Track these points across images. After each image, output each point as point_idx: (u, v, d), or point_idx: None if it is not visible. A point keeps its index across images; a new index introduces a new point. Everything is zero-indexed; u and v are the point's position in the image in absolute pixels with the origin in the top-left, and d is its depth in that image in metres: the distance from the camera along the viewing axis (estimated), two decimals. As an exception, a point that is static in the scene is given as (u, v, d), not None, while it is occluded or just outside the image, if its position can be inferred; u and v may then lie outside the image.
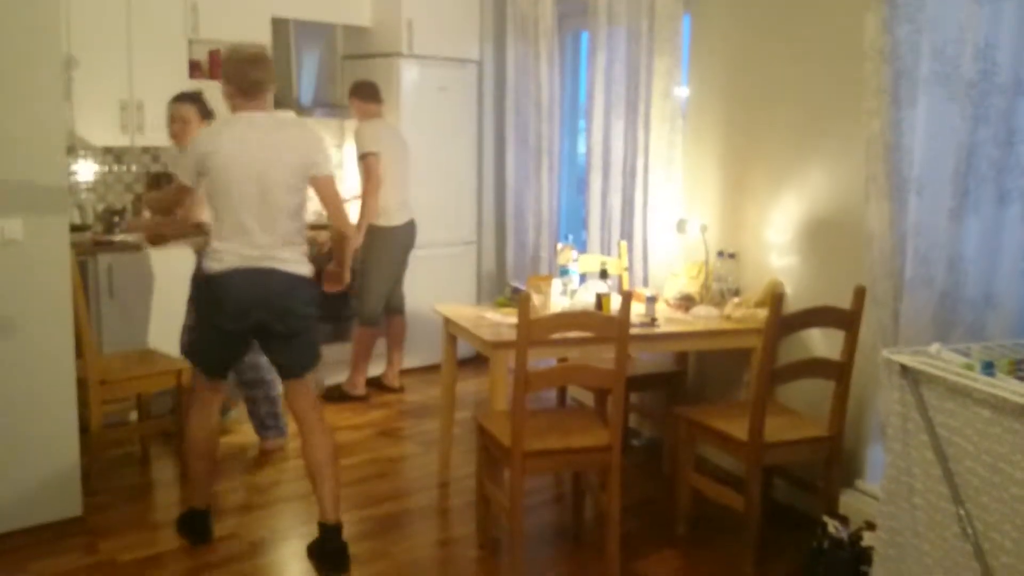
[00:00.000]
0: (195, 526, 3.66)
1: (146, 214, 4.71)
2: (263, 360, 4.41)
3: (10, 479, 3.62)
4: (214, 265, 3.30)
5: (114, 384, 4.12)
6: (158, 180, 5.43)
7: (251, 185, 3.26)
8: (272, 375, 4.54)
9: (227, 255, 3.29)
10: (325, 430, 3.50)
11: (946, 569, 2.53)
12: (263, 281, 3.30)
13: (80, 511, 3.79)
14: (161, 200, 3.94)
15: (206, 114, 4.39)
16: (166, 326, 4.94)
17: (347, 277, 3.69)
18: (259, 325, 3.33)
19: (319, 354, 3.54)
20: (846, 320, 3.48)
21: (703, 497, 3.73)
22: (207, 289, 3.37)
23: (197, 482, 3.65)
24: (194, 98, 4.43)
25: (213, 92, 5.24)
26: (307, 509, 3.94)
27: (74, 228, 4.33)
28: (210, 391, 3.56)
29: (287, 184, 3.32)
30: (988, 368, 2.43)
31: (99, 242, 4.93)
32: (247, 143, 3.29)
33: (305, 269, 3.39)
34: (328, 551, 3.45)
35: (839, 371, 3.50)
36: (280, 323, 3.33)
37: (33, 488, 3.67)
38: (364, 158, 5.23)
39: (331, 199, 3.47)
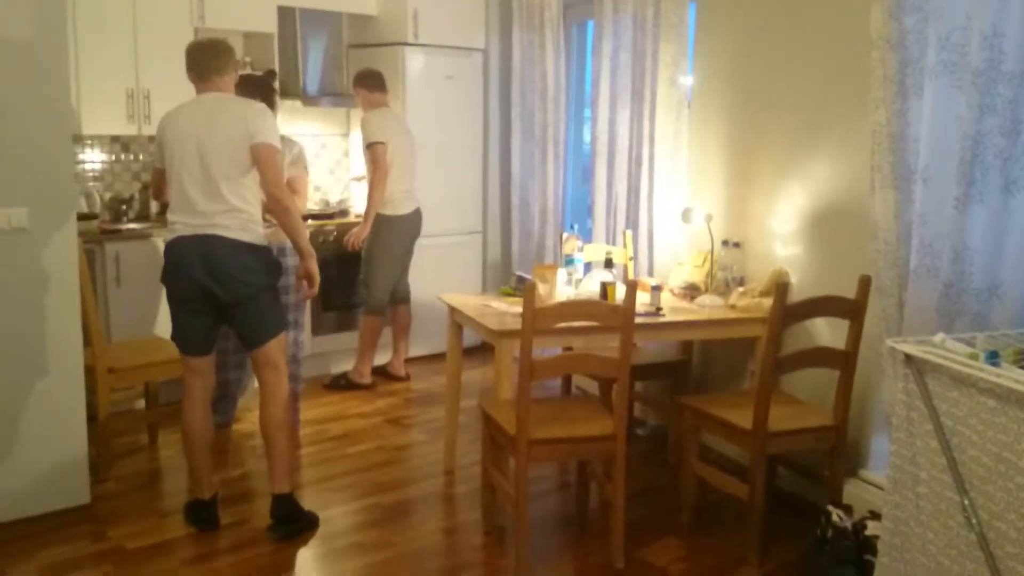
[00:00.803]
0: (200, 515, 3.71)
1: None
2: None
3: (18, 467, 3.65)
4: (167, 235, 3.52)
5: (121, 372, 4.14)
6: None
7: (193, 158, 3.43)
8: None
9: (177, 225, 3.47)
10: (279, 400, 3.60)
11: (950, 558, 2.54)
12: (206, 249, 3.42)
13: (88, 499, 3.82)
14: (151, 185, 4.11)
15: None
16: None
17: (313, 268, 3.60)
18: (207, 292, 3.44)
19: (280, 322, 3.65)
20: (851, 309, 3.48)
21: (707, 486, 3.74)
22: (165, 261, 3.54)
23: (196, 472, 3.72)
24: (250, 83, 4.43)
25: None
26: (315, 496, 3.97)
27: (81, 217, 4.33)
28: (191, 374, 3.64)
29: (226, 154, 3.44)
30: (993, 357, 2.44)
31: (106, 230, 4.95)
32: (193, 119, 3.49)
33: (249, 236, 3.49)
34: (279, 519, 3.60)
35: (844, 360, 3.50)
36: (223, 290, 3.44)
37: (41, 476, 3.69)
38: (371, 147, 5.24)
39: (267, 167, 3.47)
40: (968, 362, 2.45)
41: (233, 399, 4.82)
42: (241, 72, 4.52)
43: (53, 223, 3.62)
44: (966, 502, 2.46)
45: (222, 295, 3.45)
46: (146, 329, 4.79)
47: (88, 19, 4.78)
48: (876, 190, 3.35)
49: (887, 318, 3.37)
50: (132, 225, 5.13)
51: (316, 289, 3.67)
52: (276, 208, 3.52)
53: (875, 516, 3.15)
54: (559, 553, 3.62)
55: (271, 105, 4.39)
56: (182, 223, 3.46)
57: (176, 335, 3.61)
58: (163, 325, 4.87)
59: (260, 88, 4.38)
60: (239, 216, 3.47)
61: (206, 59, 3.59)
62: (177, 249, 3.47)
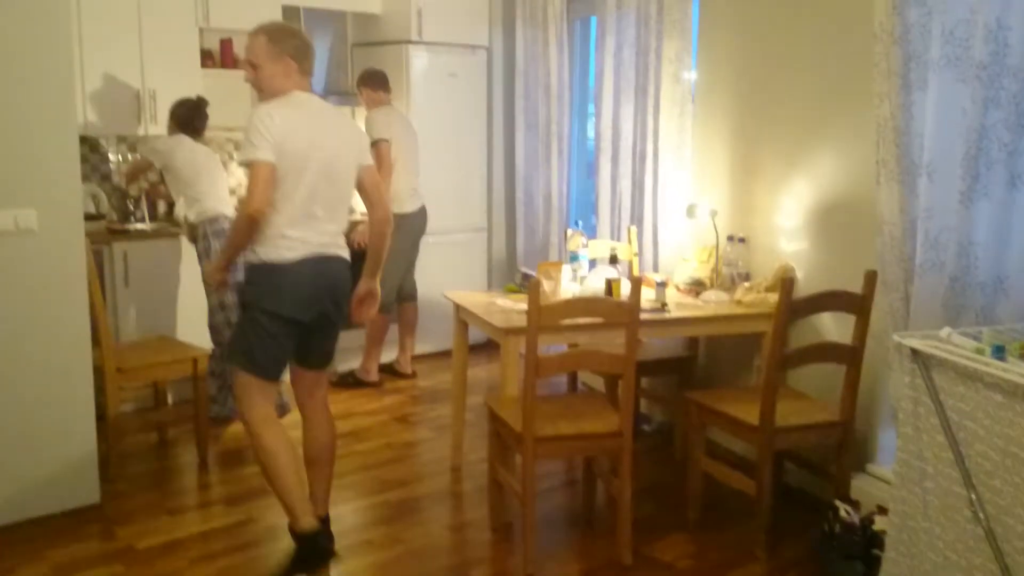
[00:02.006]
0: (316, 548, 3.31)
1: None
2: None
3: (28, 467, 3.66)
4: (286, 254, 3.13)
5: (130, 372, 4.16)
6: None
7: (322, 171, 3.16)
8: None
9: (295, 243, 3.14)
10: (332, 422, 3.54)
11: (958, 553, 2.54)
12: (330, 271, 3.25)
13: (98, 498, 3.84)
14: (258, 188, 3.11)
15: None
16: (181, 314, 4.99)
17: (378, 291, 3.55)
18: (322, 315, 3.26)
19: None
20: (857, 304, 3.48)
21: (714, 481, 3.74)
22: (273, 278, 3.16)
23: (298, 500, 3.27)
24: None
25: (226, 81, 5.30)
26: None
27: (88, 217, 4.35)
28: (267, 401, 3.28)
29: (352, 172, 3.28)
30: (999, 352, 2.44)
31: (114, 231, 4.97)
32: (316, 127, 3.18)
33: (347, 256, 3.37)
34: (320, 547, 3.32)
35: (850, 355, 3.50)
36: (337, 311, 3.31)
37: (51, 476, 3.71)
38: (376, 144, 5.24)
39: (378, 187, 3.42)
40: (974, 356, 2.45)
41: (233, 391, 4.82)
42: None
43: (61, 224, 3.63)
44: (973, 496, 2.46)
45: (335, 317, 3.32)
46: (155, 328, 4.81)
47: (93, 20, 4.79)
48: (881, 185, 3.35)
49: (893, 313, 3.37)
50: (140, 225, 5.15)
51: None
52: (387, 228, 3.46)
53: (882, 511, 3.15)
54: (566, 550, 3.63)
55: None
56: (301, 241, 3.15)
57: (264, 360, 3.21)
58: (171, 324, 4.91)
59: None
60: (343, 236, 3.36)
61: (312, 53, 3.30)
62: (302, 270, 3.16)
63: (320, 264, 3.20)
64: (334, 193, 3.23)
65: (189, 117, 4.71)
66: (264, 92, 3.21)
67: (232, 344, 3.35)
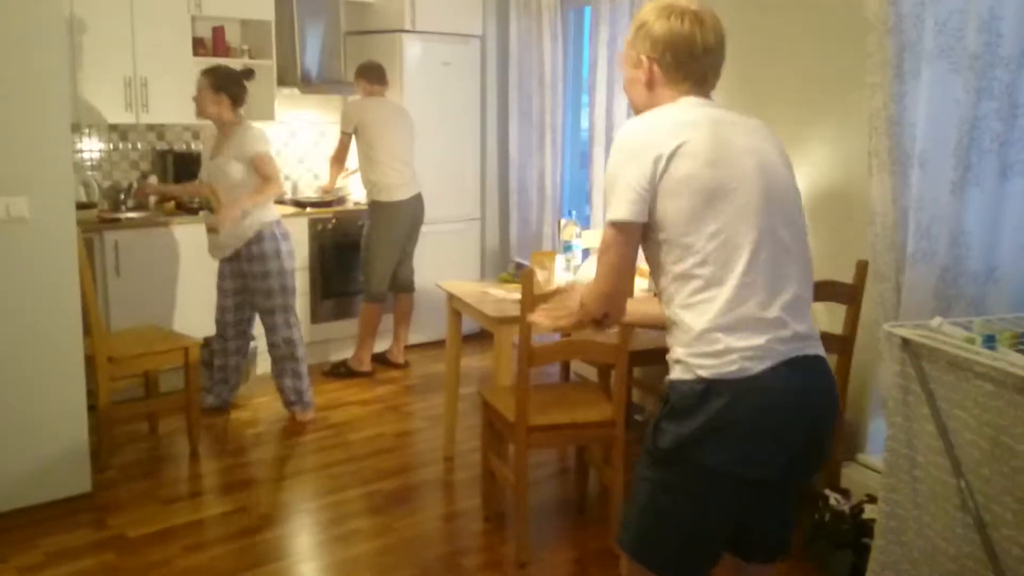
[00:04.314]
0: None
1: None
2: (295, 334, 4.63)
3: (20, 456, 3.66)
4: (752, 365, 1.90)
5: (122, 361, 4.15)
6: (163, 157, 5.46)
7: (772, 211, 1.99)
8: (302, 350, 4.70)
9: (758, 344, 1.91)
10: None
11: (947, 540, 2.55)
12: (815, 383, 2.01)
13: (89, 488, 3.83)
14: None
15: None
16: (173, 302, 4.99)
17: None
18: (790, 464, 2.00)
19: None
20: (848, 294, 3.49)
21: (706, 470, 3.74)
22: (726, 413, 1.92)
23: None
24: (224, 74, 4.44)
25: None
26: (316, 483, 3.98)
27: (80, 206, 4.33)
28: None
29: (799, 210, 2.10)
30: (989, 341, 2.45)
31: (105, 219, 4.95)
32: (752, 138, 2.11)
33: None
34: None
35: (841, 345, 3.51)
36: (815, 457, 2.07)
37: (43, 465, 3.71)
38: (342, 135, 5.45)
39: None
40: (965, 346, 2.45)
41: (232, 385, 4.85)
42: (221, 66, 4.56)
43: (52, 212, 3.62)
44: (962, 485, 2.47)
45: (812, 466, 2.10)
46: (145, 318, 4.80)
47: (85, 7, 4.77)
48: (873, 175, 3.36)
49: (884, 302, 3.37)
50: (131, 214, 5.13)
51: None
52: None
53: (872, 500, 3.17)
54: (559, 539, 3.64)
55: (238, 103, 4.49)
56: (770, 338, 1.92)
57: (685, 554, 2.05)
58: (163, 313, 4.90)
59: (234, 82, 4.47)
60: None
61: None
62: (775, 386, 1.92)
63: (799, 375, 1.96)
64: (793, 245, 2.02)
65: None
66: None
67: (628, 517, 2.13)
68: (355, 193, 6.00)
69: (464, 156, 6.22)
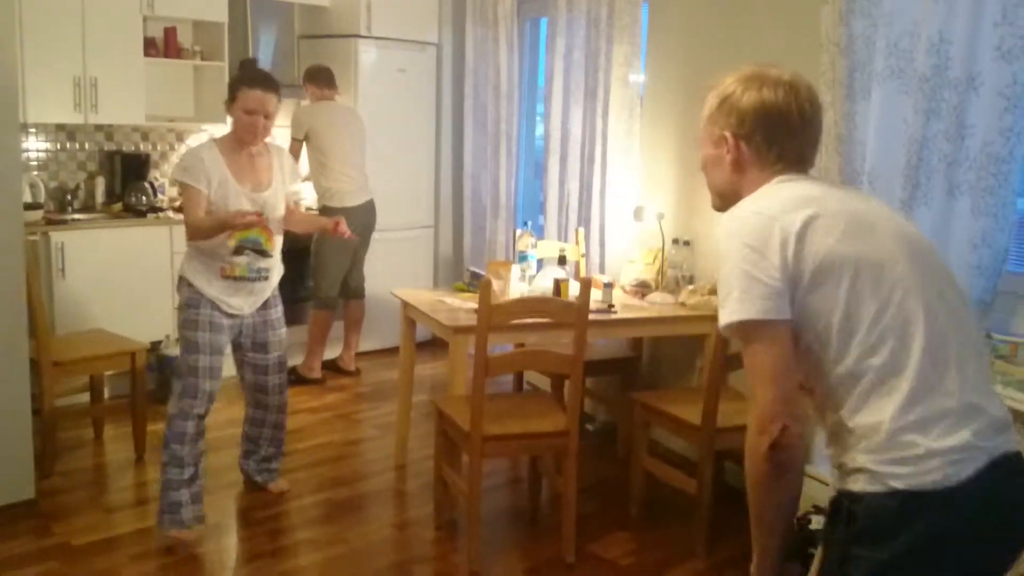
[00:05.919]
0: None
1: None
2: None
3: (-40, 461, 3.57)
4: (957, 471, 1.59)
5: (67, 365, 4.07)
6: (111, 158, 5.37)
7: (929, 281, 1.72)
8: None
9: (961, 444, 1.61)
10: None
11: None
12: (1017, 486, 1.68)
13: (33, 494, 3.75)
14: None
15: None
16: (120, 306, 4.90)
17: None
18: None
19: None
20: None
21: (656, 480, 3.79)
22: (913, 536, 1.61)
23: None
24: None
25: (167, 70, 5.21)
26: (264, 493, 3.94)
27: (25, 207, 4.24)
28: None
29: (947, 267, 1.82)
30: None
31: (51, 220, 4.85)
32: (877, 214, 1.79)
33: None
34: None
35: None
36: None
37: (-16, 470, 3.63)
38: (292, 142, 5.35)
39: None
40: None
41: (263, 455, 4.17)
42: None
43: (-2, 213, 3.55)
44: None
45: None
46: (91, 321, 4.71)
47: (35, 4, 4.68)
48: (824, 191, 3.42)
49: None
50: (77, 216, 5.04)
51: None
52: None
53: (819, 510, 3.22)
54: (511, 547, 3.65)
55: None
56: (968, 437, 1.62)
57: None
58: (108, 317, 4.81)
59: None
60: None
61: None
62: (975, 499, 1.61)
63: (1002, 478, 1.64)
64: (961, 316, 1.74)
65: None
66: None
67: None
68: (307, 199, 5.95)
69: (418, 164, 6.21)
